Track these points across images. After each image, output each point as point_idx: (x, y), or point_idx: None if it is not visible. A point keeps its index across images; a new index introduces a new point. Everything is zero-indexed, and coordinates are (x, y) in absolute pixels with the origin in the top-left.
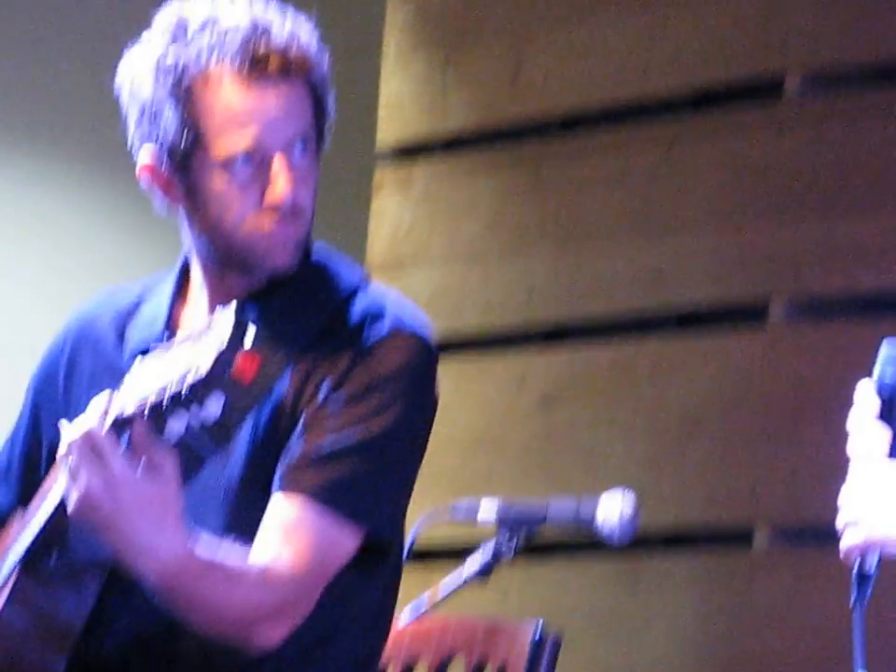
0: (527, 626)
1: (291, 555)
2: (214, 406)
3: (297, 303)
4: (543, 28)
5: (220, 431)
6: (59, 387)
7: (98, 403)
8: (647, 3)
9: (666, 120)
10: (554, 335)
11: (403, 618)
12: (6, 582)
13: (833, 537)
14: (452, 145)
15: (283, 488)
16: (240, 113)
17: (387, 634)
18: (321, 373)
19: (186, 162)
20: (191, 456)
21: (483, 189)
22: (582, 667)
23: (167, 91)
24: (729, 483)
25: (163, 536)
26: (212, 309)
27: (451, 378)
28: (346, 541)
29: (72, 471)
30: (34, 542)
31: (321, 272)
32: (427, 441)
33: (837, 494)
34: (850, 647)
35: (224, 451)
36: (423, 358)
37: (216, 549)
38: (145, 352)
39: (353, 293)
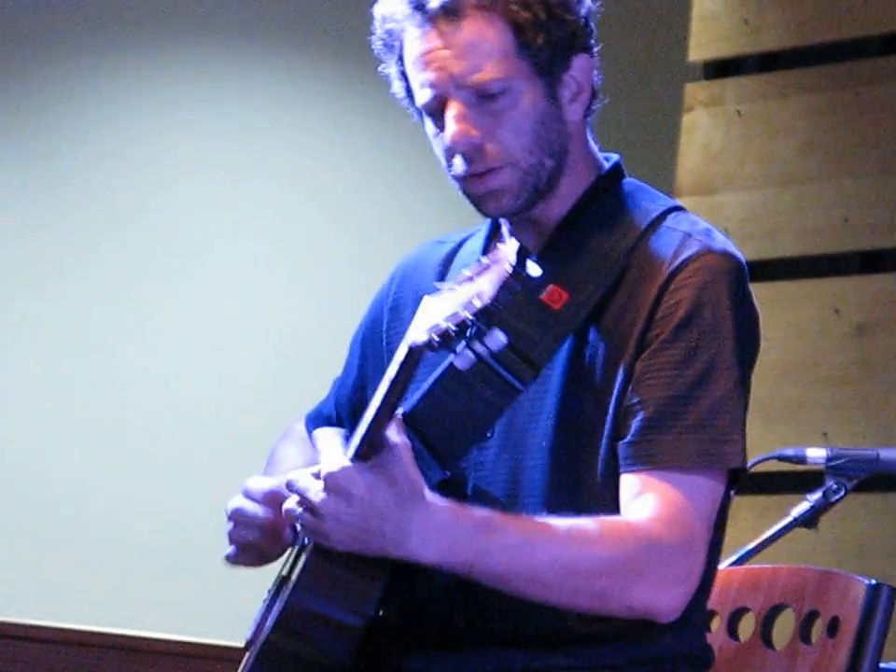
0: (859, 578)
1: (664, 518)
2: (500, 335)
3: (600, 233)
4: None
5: (521, 355)
6: (382, 335)
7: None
8: None
9: None
10: (871, 263)
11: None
12: None
13: None
14: (766, 63)
15: (636, 464)
16: (416, 59)
17: (717, 564)
18: (631, 315)
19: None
20: (501, 382)
21: (797, 110)
22: None
23: (383, 45)
24: None
25: (418, 514)
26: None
27: (764, 305)
28: (716, 487)
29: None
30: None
31: (625, 201)
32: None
33: None
34: None
35: (538, 397)
36: (738, 274)
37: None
38: None
39: (659, 219)
